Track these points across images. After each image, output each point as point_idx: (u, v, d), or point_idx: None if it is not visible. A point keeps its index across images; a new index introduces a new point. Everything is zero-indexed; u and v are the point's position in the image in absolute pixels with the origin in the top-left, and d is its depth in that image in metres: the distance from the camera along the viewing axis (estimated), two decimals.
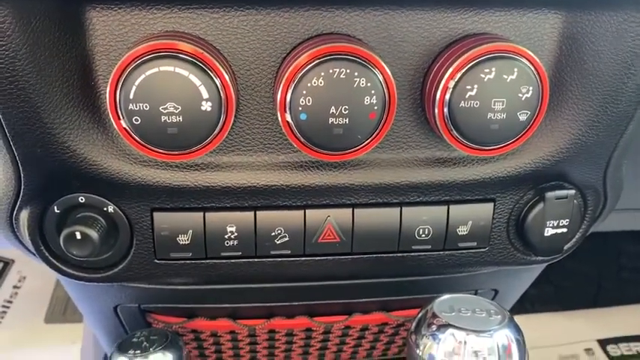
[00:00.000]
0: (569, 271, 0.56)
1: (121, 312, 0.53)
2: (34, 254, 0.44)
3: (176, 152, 0.36)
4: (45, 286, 1.16)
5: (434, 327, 0.35)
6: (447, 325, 0.35)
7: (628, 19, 0.37)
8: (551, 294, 1.10)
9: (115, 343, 0.46)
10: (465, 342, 0.35)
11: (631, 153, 0.44)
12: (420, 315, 0.36)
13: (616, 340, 1.26)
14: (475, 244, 0.44)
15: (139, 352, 0.44)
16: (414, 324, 0.37)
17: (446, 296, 0.37)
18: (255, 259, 0.42)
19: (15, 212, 0.41)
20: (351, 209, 0.41)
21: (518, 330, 0.36)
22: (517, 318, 0.78)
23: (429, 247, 0.43)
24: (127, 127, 0.33)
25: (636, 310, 1.28)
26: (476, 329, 0.34)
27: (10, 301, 1.16)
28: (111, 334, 0.60)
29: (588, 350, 1.24)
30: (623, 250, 1.23)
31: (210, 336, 0.56)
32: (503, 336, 0.35)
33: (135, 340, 0.45)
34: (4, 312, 1.14)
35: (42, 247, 0.41)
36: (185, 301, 0.52)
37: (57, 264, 0.41)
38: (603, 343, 1.25)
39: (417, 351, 0.36)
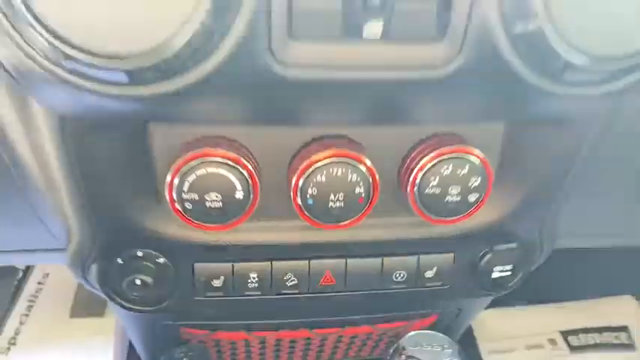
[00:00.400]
0: (537, 269, 0.66)
1: (159, 326, 0.65)
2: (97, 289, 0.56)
3: (215, 225, 0.47)
4: (68, 283, 1.26)
5: (403, 357, 0.47)
6: (411, 357, 0.47)
7: (551, 131, 0.48)
8: (521, 290, 1.22)
9: (163, 357, 0.58)
10: (416, 344, 0.47)
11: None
12: (394, 347, 0.49)
13: (576, 332, 1.35)
14: (440, 283, 0.55)
15: None
16: (391, 351, 0.49)
17: (412, 333, 0.49)
18: (272, 297, 0.53)
19: (88, 262, 0.53)
20: (344, 260, 0.52)
21: (459, 353, 0.48)
22: (491, 312, 0.87)
23: (404, 286, 0.54)
24: (180, 209, 0.44)
25: (594, 305, 1.38)
26: (431, 356, 0.46)
27: (35, 296, 1.26)
28: (146, 340, 0.72)
29: (552, 340, 1.33)
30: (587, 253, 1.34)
31: (228, 343, 0.68)
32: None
33: (177, 355, 0.57)
34: (31, 307, 1.24)
35: (108, 289, 0.53)
36: (210, 319, 0.64)
37: (119, 300, 0.53)
38: (565, 334, 1.34)
39: None
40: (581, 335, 1.35)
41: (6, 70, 0.38)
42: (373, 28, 0.33)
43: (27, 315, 1.19)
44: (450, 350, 0.47)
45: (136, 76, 0.32)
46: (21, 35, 0.32)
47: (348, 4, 0.32)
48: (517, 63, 0.34)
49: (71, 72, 0.33)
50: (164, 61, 0.30)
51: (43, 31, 0.29)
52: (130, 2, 0.29)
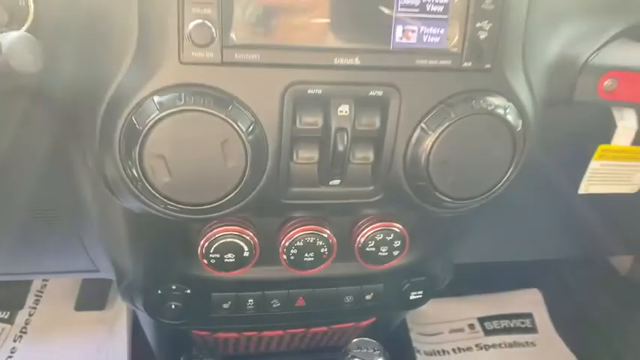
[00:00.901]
0: (460, 268, 0.85)
1: (176, 330, 0.88)
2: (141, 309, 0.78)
3: (230, 272, 0.68)
4: (72, 281, 1.39)
5: (349, 355, 0.72)
6: (354, 357, 0.72)
7: (438, 220, 0.68)
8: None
9: (182, 356, 0.81)
10: (358, 348, 0.71)
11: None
12: (343, 350, 0.73)
13: (491, 318, 1.57)
14: (375, 303, 0.74)
15: None
16: (342, 353, 0.74)
17: (356, 340, 0.74)
18: (263, 313, 0.74)
19: (136, 293, 0.73)
20: (312, 289, 0.72)
21: (385, 354, 0.72)
22: None
23: (352, 305, 0.76)
24: (207, 263, 0.65)
25: (505, 296, 1.61)
26: (366, 358, 0.72)
27: (41, 292, 1.42)
28: (163, 338, 0.95)
29: (471, 325, 1.56)
30: None
31: (224, 340, 0.93)
32: None
33: (194, 353, 0.80)
34: (38, 300, 1.42)
35: (150, 310, 0.73)
36: (207, 325, 0.87)
37: (158, 317, 0.75)
38: (481, 320, 1.57)
39: None
40: (494, 321, 1.57)
41: (107, 186, 0.60)
42: (334, 181, 0.56)
43: (35, 307, 1.38)
44: (379, 352, 0.72)
45: (199, 214, 0.53)
46: (143, 195, 0.50)
47: (323, 172, 0.56)
48: (415, 200, 0.57)
49: (161, 209, 0.53)
50: (219, 206, 0.53)
51: (157, 195, 0.51)
52: (205, 180, 0.51)
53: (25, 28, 0.53)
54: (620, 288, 1.43)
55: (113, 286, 1.37)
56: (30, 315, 1.34)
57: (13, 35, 0.42)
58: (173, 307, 0.71)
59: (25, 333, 1.32)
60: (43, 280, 1.41)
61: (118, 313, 1.36)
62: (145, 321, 0.93)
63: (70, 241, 0.73)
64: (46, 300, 1.39)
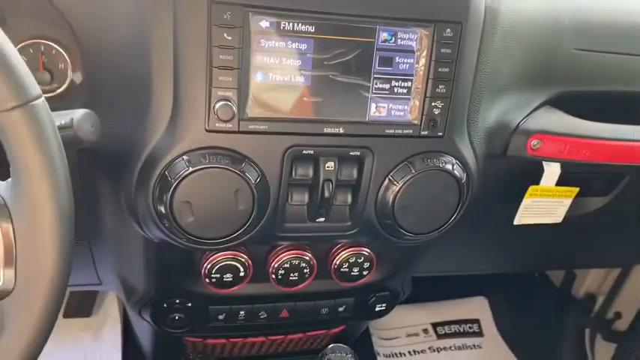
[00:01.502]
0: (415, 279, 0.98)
1: (171, 337, 0.99)
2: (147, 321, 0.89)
3: (227, 289, 0.78)
4: None
5: (325, 358, 0.85)
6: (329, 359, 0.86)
7: (400, 248, 0.82)
8: None
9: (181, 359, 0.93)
10: (333, 352, 0.83)
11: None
12: (320, 354, 0.87)
13: (442, 324, 1.71)
14: (346, 314, 0.87)
15: None
16: (319, 357, 0.87)
17: (331, 345, 0.88)
18: (251, 323, 0.85)
19: (144, 307, 0.84)
20: (294, 303, 0.83)
21: (355, 357, 0.85)
22: None
23: (327, 316, 0.88)
24: (209, 282, 0.76)
25: (456, 303, 1.75)
26: None
27: None
28: (157, 344, 1.06)
29: (425, 330, 1.70)
30: None
31: (213, 345, 1.05)
32: None
33: (190, 357, 0.92)
34: None
35: (156, 321, 0.84)
36: (203, 333, 0.99)
37: (162, 326, 0.87)
38: (434, 325, 1.71)
39: None
40: (445, 326, 1.71)
41: (136, 220, 0.70)
42: (320, 219, 0.70)
43: None
44: (350, 355, 0.86)
45: (213, 245, 0.65)
46: (169, 231, 0.62)
47: (311, 212, 0.70)
48: (383, 233, 0.71)
49: (183, 241, 0.64)
50: (230, 239, 0.66)
51: (182, 231, 0.63)
52: (220, 220, 0.63)
53: (64, 87, 0.65)
54: (554, 297, 1.61)
55: (100, 294, 1.46)
56: None
57: (80, 112, 0.54)
58: (176, 318, 0.83)
59: None
60: None
61: (105, 320, 1.44)
62: (141, 328, 1.04)
63: (79, 258, 0.80)
64: None
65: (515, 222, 0.90)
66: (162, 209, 0.62)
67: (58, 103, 0.57)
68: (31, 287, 0.45)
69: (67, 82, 0.64)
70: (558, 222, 0.94)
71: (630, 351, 1.38)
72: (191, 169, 0.60)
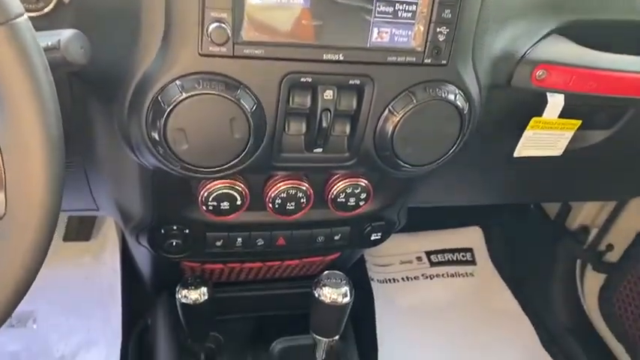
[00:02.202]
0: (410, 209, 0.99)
1: (169, 261, 1.01)
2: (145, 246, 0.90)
3: (224, 217, 0.79)
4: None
5: (320, 284, 0.86)
6: (325, 285, 0.87)
7: (398, 179, 0.83)
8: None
9: (179, 284, 0.95)
10: (330, 292, 0.88)
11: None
12: (315, 280, 0.88)
13: (436, 252, 1.76)
14: (342, 242, 0.88)
15: (193, 287, 0.94)
16: (314, 282, 0.89)
17: (326, 272, 0.89)
18: (248, 250, 0.87)
19: (141, 232, 0.85)
20: (291, 231, 0.83)
21: (351, 286, 0.88)
22: None
23: (322, 244, 0.90)
24: (205, 209, 0.76)
25: (450, 233, 1.79)
26: (335, 287, 0.87)
27: None
28: (156, 269, 1.08)
29: (418, 258, 1.75)
30: None
31: (211, 270, 1.07)
32: (345, 289, 0.87)
33: (189, 281, 0.94)
34: None
35: (153, 246, 0.86)
36: (201, 258, 1.00)
37: (160, 251, 0.87)
38: (428, 253, 1.76)
39: (315, 294, 0.84)
40: (439, 254, 1.75)
41: (129, 147, 0.68)
42: (317, 149, 0.68)
43: None
44: (345, 282, 0.88)
45: (208, 174, 0.64)
46: (163, 158, 0.61)
47: (308, 142, 0.69)
48: (381, 165, 0.71)
49: (177, 169, 0.63)
50: (225, 169, 0.65)
51: (176, 158, 0.62)
52: (216, 148, 0.62)
53: (51, 6, 0.62)
54: (548, 229, 1.63)
55: (98, 218, 1.48)
56: None
57: (68, 32, 0.51)
58: (174, 243, 0.84)
59: None
60: None
61: (104, 244, 1.47)
62: (139, 253, 1.05)
63: (75, 183, 0.82)
64: None
65: (516, 154, 0.89)
66: (156, 136, 0.60)
67: (44, 23, 0.54)
68: (22, 211, 0.45)
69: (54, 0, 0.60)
70: (558, 155, 0.93)
71: (619, 281, 1.41)
72: (184, 95, 0.58)
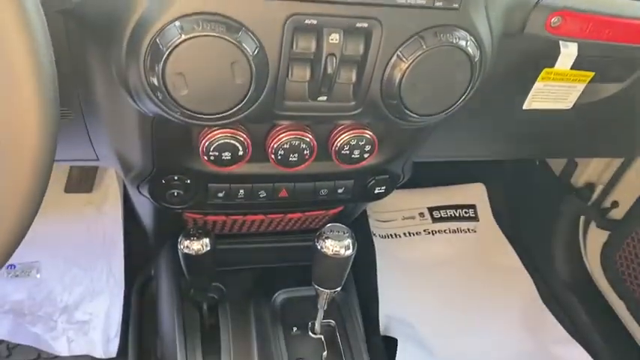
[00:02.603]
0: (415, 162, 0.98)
1: (171, 213, 1.00)
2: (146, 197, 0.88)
3: (226, 167, 0.78)
4: (60, 165, 1.51)
5: (323, 236, 0.85)
6: (327, 237, 0.86)
7: (405, 130, 0.80)
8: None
9: (181, 234, 0.94)
10: (332, 245, 0.88)
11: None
12: (318, 233, 0.88)
13: (438, 208, 1.76)
14: (345, 196, 0.87)
15: (195, 238, 0.93)
16: (317, 235, 0.88)
17: (329, 225, 0.88)
18: (251, 202, 0.87)
19: (142, 182, 0.83)
20: (293, 184, 0.84)
21: (353, 239, 0.87)
22: None
23: (326, 197, 0.89)
24: (207, 159, 0.75)
25: (454, 189, 1.79)
26: (337, 240, 0.86)
27: None
28: (158, 220, 1.08)
29: (421, 214, 1.75)
30: None
31: (213, 221, 1.06)
32: (347, 242, 0.85)
33: (191, 231, 0.93)
34: None
35: (155, 197, 0.84)
36: (203, 209, 0.99)
37: (161, 202, 0.87)
38: (430, 209, 1.76)
39: (318, 246, 0.83)
40: (442, 210, 1.75)
41: (128, 92, 0.65)
42: (322, 97, 0.67)
43: None
44: (347, 234, 0.87)
45: (209, 121, 0.62)
46: (162, 104, 0.59)
47: (312, 90, 0.67)
48: (387, 115, 0.69)
49: (177, 115, 0.61)
50: (226, 116, 0.63)
51: (175, 104, 0.60)
52: (216, 94, 0.60)
53: None
54: (553, 186, 1.62)
55: (100, 169, 1.47)
56: None
57: None
58: (175, 194, 0.83)
59: None
60: None
61: (106, 195, 1.46)
62: (141, 204, 1.05)
63: (75, 133, 0.80)
64: None
65: (525, 106, 0.87)
66: (155, 81, 0.58)
67: None
68: (13, 151, 0.43)
69: None
70: (568, 108, 0.90)
71: (623, 238, 1.41)
72: (184, 37, 0.56)
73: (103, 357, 1.25)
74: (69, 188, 1.44)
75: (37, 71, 0.42)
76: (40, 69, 0.42)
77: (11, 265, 1.37)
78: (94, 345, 1.26)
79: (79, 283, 1.34)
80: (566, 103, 0.91)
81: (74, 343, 1.26)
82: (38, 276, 1.33)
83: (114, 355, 1.26)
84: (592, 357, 1.47)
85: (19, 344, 1.25)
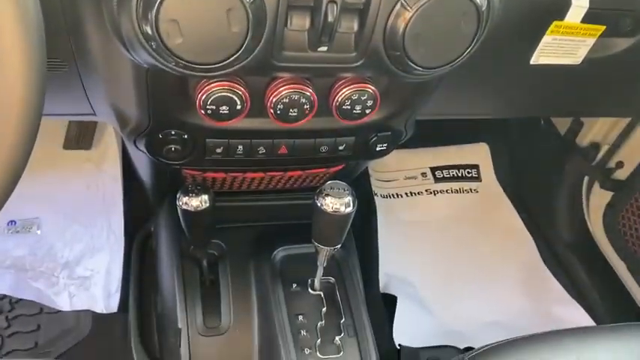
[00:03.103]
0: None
1: (169, 169, 0.99)
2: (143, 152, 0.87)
3: (224, 122, 0.75)
4: (58, 122, 1.45)
5: (323, 193, 0.83)
6: (327, 195, 0.85)
7: (408, 84, 0.78)
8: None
9: (180, 190, 0.93)
10: (332, 202, 0.84)
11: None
12: (318, 190, 0.86)
13: (441, 168, 1.75)
14: (346, 153, 0.86)
15: (194, 194, 0.92)
16: (317, 192, 0.86)
17: (330, 182, 0.87)
18: (250, 158, 0.84)
19: (139, 137, 0.82)
20: (293, 140, 0.82)
21: (354, 196, 0.86)
22: None
23: (326, 154, 0.87)
24: (204, 113, 0.73)
25: (457, 149, 1.77)
26: (337, 197, 0.85)
27: None
28: (157, 177, 1.06)
29: (423, 173, 1.73)
30: None
31: (212, 179, 1.05)
32: (347, 199, 0.85)
33: (189, 188, 0.92)
34: None
35: (152, 152, 0.83)
36: (201, 166, 0.98)
37: (159, 158, 0.85)
38: (433, 169, 1.74)
39: (318, 203, 0.82)
40: (444, 170, 1.73)
41: (122, 43, 0.62)
42: (322, 48, 0.64)
43: None
44: (348, 192, 0.86)
45: (205, 72, 0.60)
46: (156, 53, 0.57)
47: (312, 39, 0.64)
48: (390, 67, 0.66)
49: (172, 65, 0.60)
50: (222, 66, 0.61)
51: (170, 53, 0.58)
52: (212, 43, 0.58)
53: None
54: (557, 146, 1.60)
55: (99, 126, 1.45)
56: None
57: None
58: (173, 149, 0.81)
59: None
60: None
61: (105, 152, 1.45)
62: (140, 161, 1.03)
63: (70, 85, 0.78)
64: None
65: (532, 61, 0.84)
66: (148, 29, 0.56)
67: None
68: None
69: None
70: (577, 64, 0.88)
71: (626, 199, 1.39)
72: None
73: (105, 312, 1.26)
74: (67, 145, 1.43)
75: (20, 17, 0.40)
76: (24, 14, 0.40)
77: (12, 222, 1.38)
78: (95, 300, 1.27)
79: (79, 240, 1.35)
80: (575, 58, 0.88)
81: (76, 298, 1.27)
82: (39, 232, 1.33)
83: (115, 310, 1.27)
84: (591, 317, 1.49)
85: (21, 299, 1.26)
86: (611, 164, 1.47)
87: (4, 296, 1.29)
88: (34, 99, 0.42)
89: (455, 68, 0.70)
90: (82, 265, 1.31)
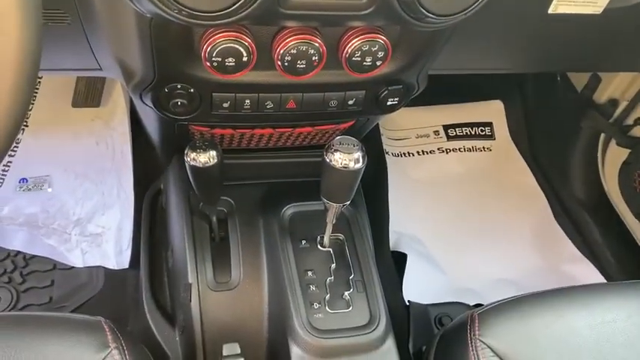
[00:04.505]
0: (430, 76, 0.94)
1: (177, 125, 0.97)
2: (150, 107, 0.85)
3: (230, 74, 0.73)
4: (65, 79, 1.44)
5: (332, 149, 0.81)
6: (337, 150, 0.83)
7: (421, 33, 0.75)
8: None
9: (188, 146, 0.91)
10: (342, 158, 0.81)
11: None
12: (327, 146, 0.84)
13: (453, 126, 1.72)
14: (356, 108, 0.84)
15: (201, 150, 0.91)
16: (326, 148, 0.85)
17: (339, 137, 0.85)
18: (257, 113, 0.84)
19: (145, 91, 0.81)
20: (302, 94, 0.80)
21: (363, 152, 0.81)
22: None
23: (335, 109, 0.84)
24: (210, 65, 0.71)
25: (470, 106, 1.74)
26: (347, 153, 0.83)
27: (37, 87, 1.46)
28: (165, 134, 1.05)
29: (435, 132, 1.71)
30: None
31: (220, 135, 1.03)
32: (357, 155, 0.81)
33: (197, 144, 0.91)
34: (34, 96, 1.47)
35: (158, 107, 0.82)
36: (208, 121, 0.96)
37: (165, 113, 0.84)
38: (445, 127, 1.72)
39: (327, 159, 0.80)
40: (457, 128, 1.71)
41: None
42: None
43: (32, 102, 1.44)
44: (357, 147, 0.84)
45: (209, 20, 0.58)
46: (159, 1, 0.56)
47: None
48: (402, 14, 0.63)
49: (175, 14, 0.58)
50: (227, 14, 0.59)
51: (173, 2, 0.56)
52: None
53: None
54: (574, 102, 1.56)
55: (107, 84, 1.44)
56: (29, 109, 1.41)
57: None
58: (179, 103, 0.80)
59: (27, 126, 1.41)
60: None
61: (114, 110, 1.44)
62: (147, 117, 1.02)
63: (74, 39, 0.77)
64: (42, 96, 1.44)
65: (550, 10, 0.81)
66: None
67: None
68: None
69: None
70: (597, 14, 0.84)
71: None
72: None
73: (116, 268, 1.28)
74: (76, 103, 1.42)
75: None
76: None
77: (23, 179, 1.38)
78: (107, 256, 1.29)
79: (90, 197, 1.35)
80: (596, 7, 0.84)
81: (88, 255, 1.28)
82: (50, 190, 1.34)
83: (126, 266, 1.28)
84: (603, 275, 1.48)
85: (35, 255, 1.28)
86: (629, 121, 1.44)
87: (19, 252, 1.31)
88: (32, 38, 0.41)
89: (470, 17, 0.67)
90: (93, 222, 1.33)
